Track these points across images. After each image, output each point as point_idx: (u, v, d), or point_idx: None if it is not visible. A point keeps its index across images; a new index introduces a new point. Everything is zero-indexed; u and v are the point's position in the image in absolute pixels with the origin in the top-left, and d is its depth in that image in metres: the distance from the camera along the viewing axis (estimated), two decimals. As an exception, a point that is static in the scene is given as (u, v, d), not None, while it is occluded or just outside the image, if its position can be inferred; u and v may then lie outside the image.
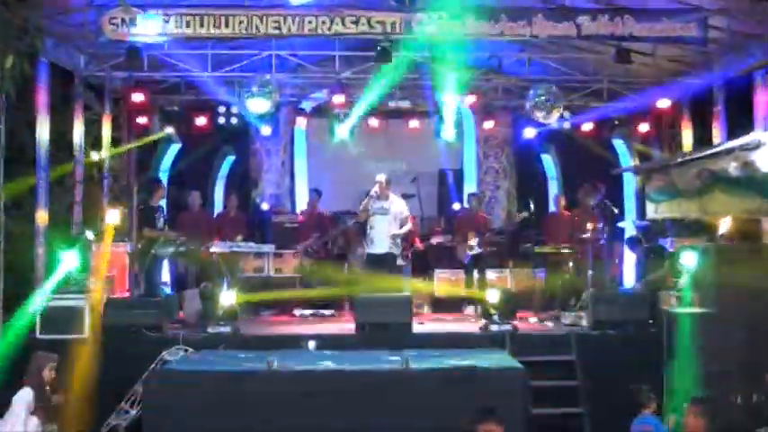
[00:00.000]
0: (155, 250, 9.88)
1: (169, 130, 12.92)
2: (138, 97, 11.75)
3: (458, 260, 11.62)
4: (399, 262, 11.01)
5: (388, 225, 10.14)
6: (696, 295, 8.39)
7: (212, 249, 10.34)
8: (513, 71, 12.35)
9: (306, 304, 11.20)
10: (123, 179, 12.38)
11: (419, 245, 11.87)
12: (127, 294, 10.24)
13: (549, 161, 14.95)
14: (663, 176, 9.51)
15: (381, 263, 10.11)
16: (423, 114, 13.99)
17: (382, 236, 10.09)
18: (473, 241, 11.22)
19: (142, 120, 12.64)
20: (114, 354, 8.42)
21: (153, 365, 7.88)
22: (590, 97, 12.63)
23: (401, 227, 10.22)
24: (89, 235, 10.00)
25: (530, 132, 13.43)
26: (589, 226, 10.23)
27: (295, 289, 11.53)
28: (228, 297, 9.14)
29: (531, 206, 11.32)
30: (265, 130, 13.39)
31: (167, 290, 11.21)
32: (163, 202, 10.77)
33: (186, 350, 8.30)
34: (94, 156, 11.31)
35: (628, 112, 12.92)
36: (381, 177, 10.21)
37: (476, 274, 11.28)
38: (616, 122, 13.50)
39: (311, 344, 8.67)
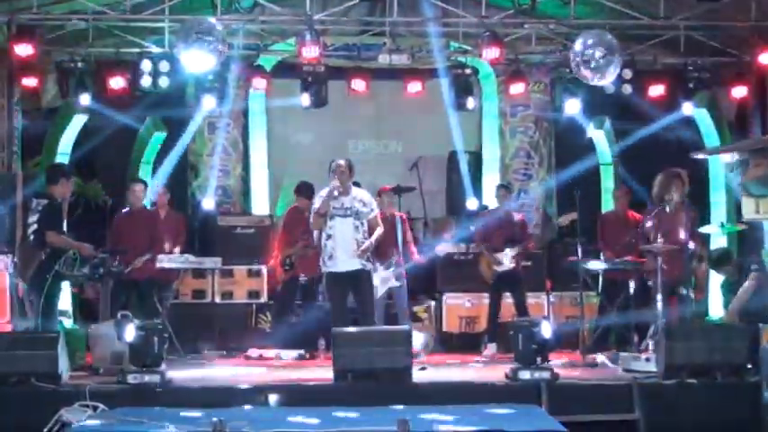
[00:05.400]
0: (59, 267, 9.70)
1: (84, 100, 12.63)
2: (23, 50, 11.58)
3: (479, 279, 11.64)
4: (393, 283, 11.08)
5: (353, 231, 9.91)
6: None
7: (162, 264, 10.73)
8: (553, 12, 12.28)
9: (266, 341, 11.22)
10: (2, 166, 12.26)
11: (419, 257, 11.72)
12: (8, 328, 10.16)
13: (601, 140, 14.88)
14: (766, 161, 9.53)
15: (351, 285, 9.96)
16: (426, 74, 13.88)
17: (347, 247, 9.86)
18: (502, 254, 11.27)
19: (30, 81, 12.45)
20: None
21: (46, 430, 7.80)
22: (660, 49, 12.64)
23: (370, 232, 10.02)
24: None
25: (573, 105, 13.20)
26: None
27: (251, 319, 11.49)
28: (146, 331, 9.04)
29: (577, 205, 11.24)
30: (209, 101, 13.13)
31: (68, 323, 11.08)
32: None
33: (95, 408, 8.21)
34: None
35: (714, 70, 12.83)
36: (341, 163, 10.08)
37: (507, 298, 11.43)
38: (697, 85, 13.41)
39: (273, 398, 8.67)
